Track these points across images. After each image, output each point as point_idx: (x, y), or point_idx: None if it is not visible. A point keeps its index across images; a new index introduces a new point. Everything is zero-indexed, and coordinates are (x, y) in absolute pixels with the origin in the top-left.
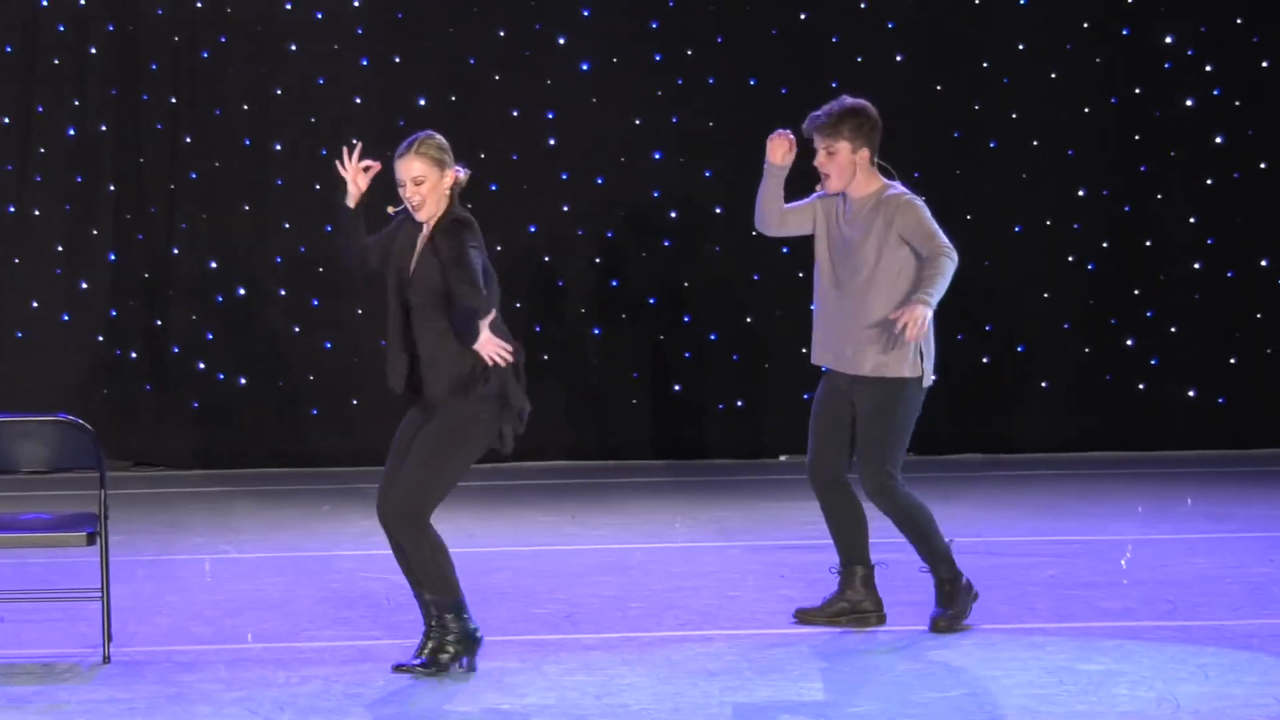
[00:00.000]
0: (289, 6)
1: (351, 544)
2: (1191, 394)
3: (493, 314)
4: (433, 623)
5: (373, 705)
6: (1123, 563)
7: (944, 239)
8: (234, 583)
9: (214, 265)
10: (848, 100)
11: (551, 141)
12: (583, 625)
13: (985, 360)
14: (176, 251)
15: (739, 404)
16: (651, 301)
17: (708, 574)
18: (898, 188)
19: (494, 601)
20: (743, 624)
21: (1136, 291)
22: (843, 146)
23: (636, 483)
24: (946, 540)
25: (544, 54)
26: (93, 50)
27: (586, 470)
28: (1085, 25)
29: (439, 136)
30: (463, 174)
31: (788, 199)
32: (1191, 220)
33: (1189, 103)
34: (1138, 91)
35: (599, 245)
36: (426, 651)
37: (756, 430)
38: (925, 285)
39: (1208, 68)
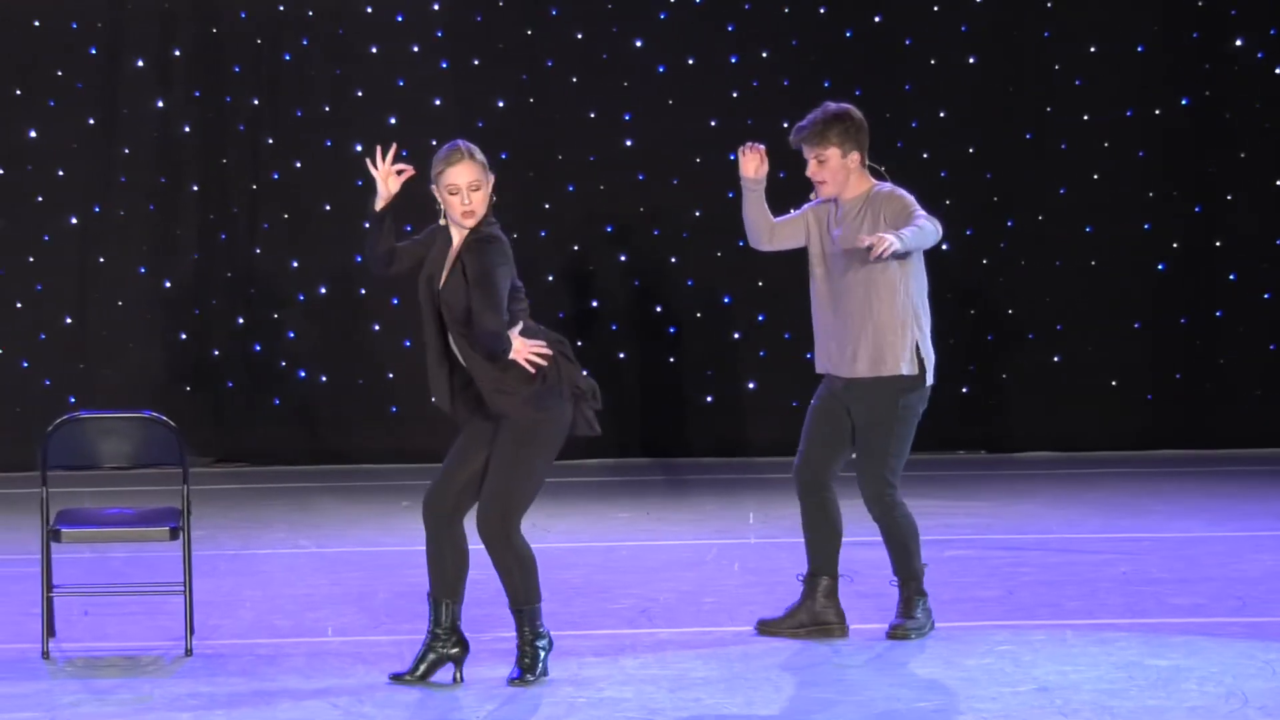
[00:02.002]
0: (370, 10)
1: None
2: (1259, 392)
3: (519, 324)
4: (526, 630)
5: (451, 699)
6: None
7: (925, 212)
8: (314, 577)
9: (295, 264)
10: (831, 106)
11: (628, 143)
12: (658, 620)
13: (1056, 359)
14: (259, 251)
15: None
16: (727, 300)
17: (782, 570)
18: (886, 185)
19: (569, 597)
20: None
21: (1206, 291)
22: (832, 153)
23: (712, 479)
24: (923, 562)
25: (621, 56)
26: (177, 53)
27: (661, 467)
28: (1156, 29)
29: None
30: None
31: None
32: (1260, 221)
33: (1258, 104)
34: (1207, 94)
35: (675, 245)
36: (520, 660)
37: None
38: (902, 227)
39: (1277, 70)
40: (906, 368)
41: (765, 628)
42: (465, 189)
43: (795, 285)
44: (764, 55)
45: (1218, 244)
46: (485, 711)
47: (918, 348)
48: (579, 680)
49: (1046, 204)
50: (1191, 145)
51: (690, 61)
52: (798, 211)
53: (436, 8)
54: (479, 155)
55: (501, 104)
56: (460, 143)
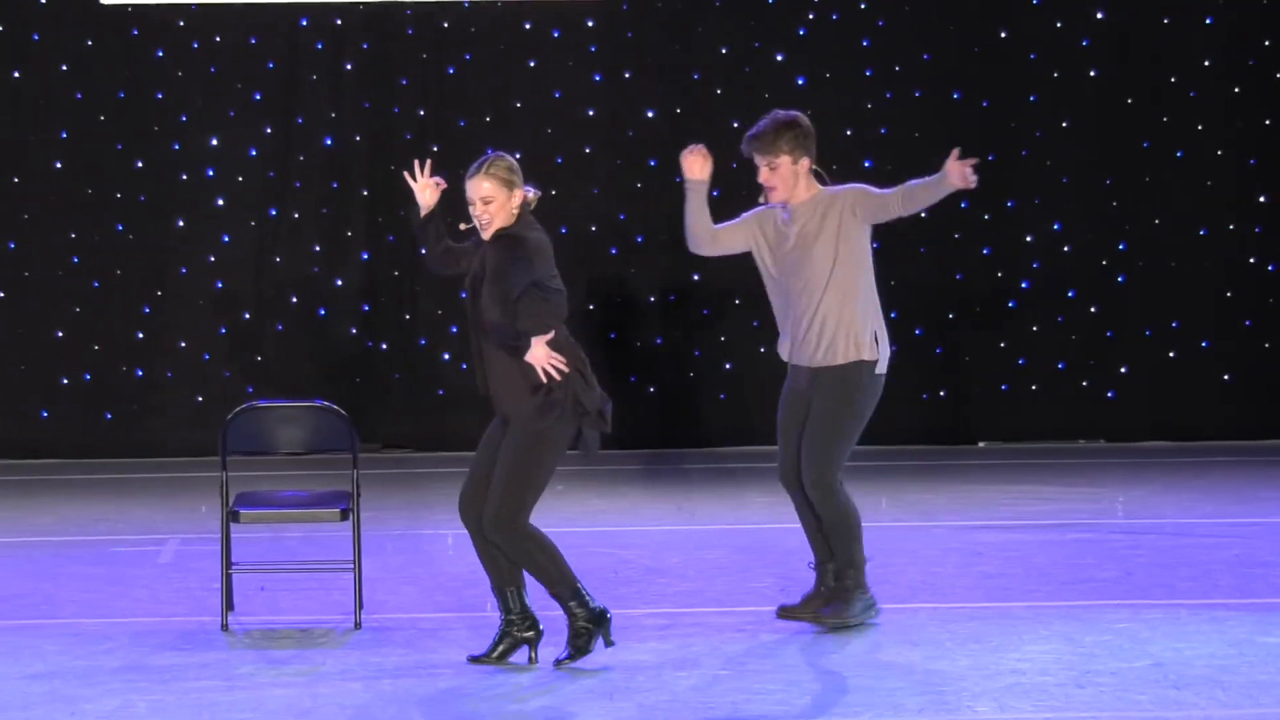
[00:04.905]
0: (528, 26)
1: (583, 521)
2: None
3: (552, 333)
4: (572, 610)
5: (601, 669)
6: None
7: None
8: (474, 556)
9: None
10: (779, 115)
11: None
12: (795, 598)
13: (1172, 354)
14: (424, 251)
15: (941, 393)
16: None
17: (912, 552)
18: (836, 186)
19: (712, 576)
20: (944, 599)
21: None
22: (784, 160)
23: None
24: (866, 556)
25: (763, 70)
26: (348, 66)
27: None
28: (1267, 43)
29: (509, 158)
30: (531, 193)
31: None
32: None
33: None
34: None
35: None
36: (568, 641)
37: (956, 417)
38: (870, 209)
39: None
40: (868, 354)
41: (785, 613)
42: (478, 201)
43: (930, 282)
44: (896, 69)
45: None
46: (636, 683)
47: (876, 336)
48: (722, 654)
49: (1163, 208)
50: None
51: (828, 74)
52: (740, 218)
53: (591, 24)
54: (499, 170)
55: (651, 114)
56: (488, 155)
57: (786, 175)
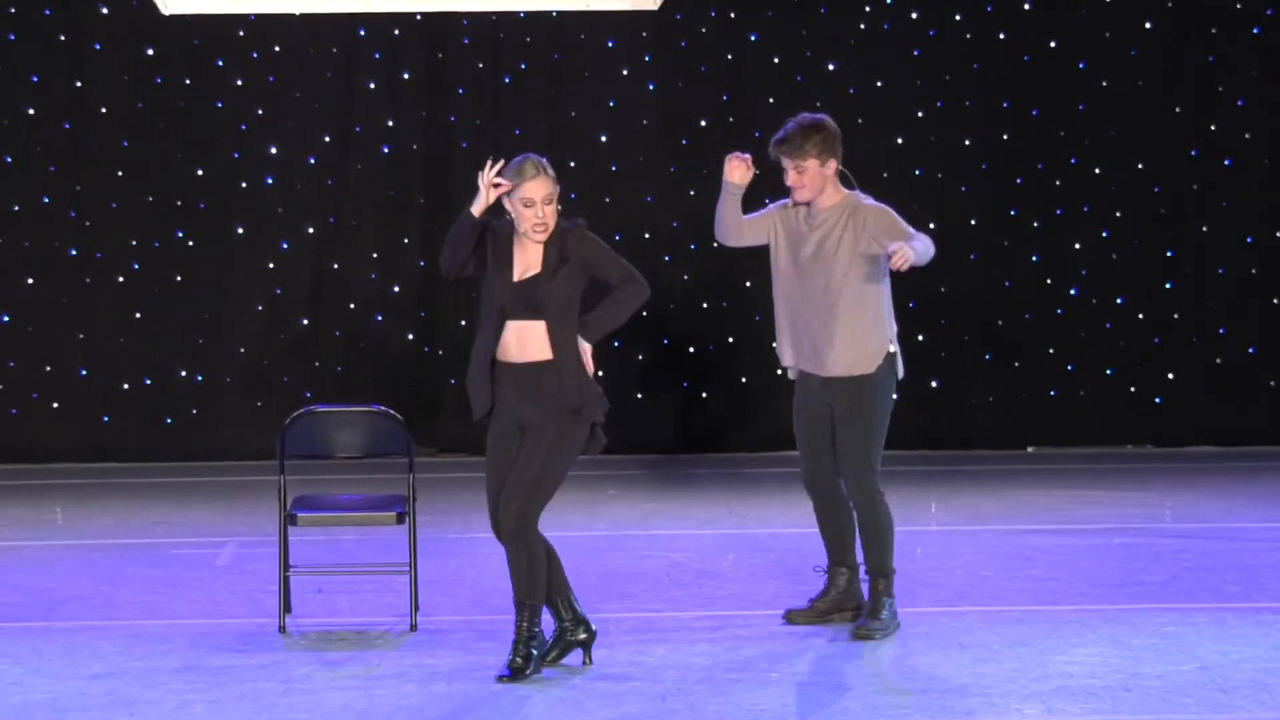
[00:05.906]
0: (583, 36)
1: (634, 525)
2: None
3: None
4: (524, 626)
5: (652, 670)
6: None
7: (914, 230)
8: None
9: None
10: (806, 118)
11: None
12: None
13: (1219, 361)
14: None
15: (991, 399)
16: (911, 305)
17: (961, 555)
18: (867, 198)
19: (762, 578)
20: (992, 602)
21: None
22: (811, 163)
23: (898, 471)
24: (894, 566)
25: (814, 78)
26: (405, 76)
27: None
28: None
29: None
30: None
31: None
32: None
33: None
34: None
35: None
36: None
37: (1006, 423)
38: (912, 238)
39: None
40: (882, 364)
41: (792, 617)
42: (540, 203)
43: (980, 290)
44: (947, 78)
45: None
46: (688, 685)
47: (889, 344)
48: (771, 655)
49: (1210, 216)
50: None
51: (879, 83)
52: (763, 211)
53: (645, 34)
54: (550, 170)
55: (703, 123)
56: (532, 156)
57: (814, 177)
